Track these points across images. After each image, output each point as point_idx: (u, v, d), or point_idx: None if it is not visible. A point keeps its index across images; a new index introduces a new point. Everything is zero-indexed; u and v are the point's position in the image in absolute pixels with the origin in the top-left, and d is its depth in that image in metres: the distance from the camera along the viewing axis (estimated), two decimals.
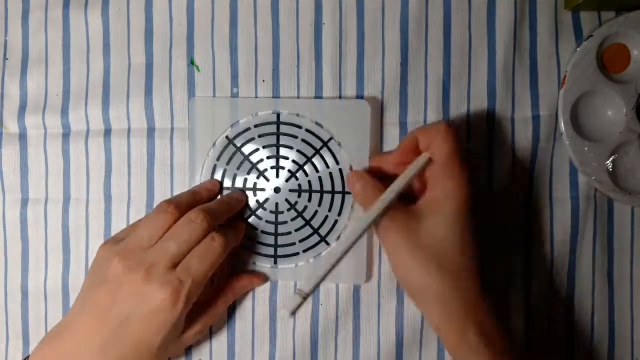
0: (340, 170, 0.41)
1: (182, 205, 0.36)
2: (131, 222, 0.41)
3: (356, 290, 0.41)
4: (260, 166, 0.41)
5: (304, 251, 0.41)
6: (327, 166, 0.41)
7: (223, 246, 0.36)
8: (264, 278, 0.41)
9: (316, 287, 0.34)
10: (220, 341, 0.42)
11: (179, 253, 0.34)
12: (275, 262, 0.41)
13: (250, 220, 0.41)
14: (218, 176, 0.41)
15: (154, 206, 0.37)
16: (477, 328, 0.33)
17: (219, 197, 0.40)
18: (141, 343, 0.34)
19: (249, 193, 0.41)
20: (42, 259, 0.42)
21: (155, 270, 0.34)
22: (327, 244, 0.41)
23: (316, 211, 0.41)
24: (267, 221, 0.41)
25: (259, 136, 0.41)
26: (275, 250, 0.41)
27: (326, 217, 0.41)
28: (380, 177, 0.38)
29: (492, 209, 0.41)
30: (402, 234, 0.35)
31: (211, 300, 0.39)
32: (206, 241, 0.35)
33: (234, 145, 0.41)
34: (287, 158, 0.41)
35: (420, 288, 0.35)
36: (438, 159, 0.35)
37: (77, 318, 0.35)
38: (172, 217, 0.35)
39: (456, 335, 0.33)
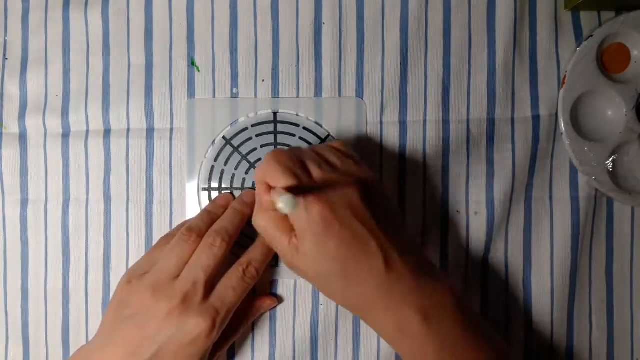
0: None
1: (202, 231, 0.37)
2: (130, 222, 0.41)
3: None
4: (259, 165, 0.41)
5: None
6: None
7: (255, 278, 0.37)
8: (280, 299, 0.41)
9: None
10: None
11: (208, 281, 0.35)
12: (275, 262, 0.41)
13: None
14: (217, 176, 0.41)
15: (174, 231, 0.39)
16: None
17: (230, 205, 0.40)
18: None
19: None
20: (42, 259, 0.42)
21: (192, 301, 0.34)
22: None
23: None
24: None
25: (257, 135, 0.41)
26: None
27: None
28: None
29: (492, 209, 0.41)
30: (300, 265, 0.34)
31: (231, 323, 0.39)
32: (239, 273, 0.37)
33: (232, 145, 0.41)
34: None
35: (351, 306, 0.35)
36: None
37: (100, 354, 0.35)
38: (195, 244, 0.36)
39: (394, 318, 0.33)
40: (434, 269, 0.35)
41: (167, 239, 0.39)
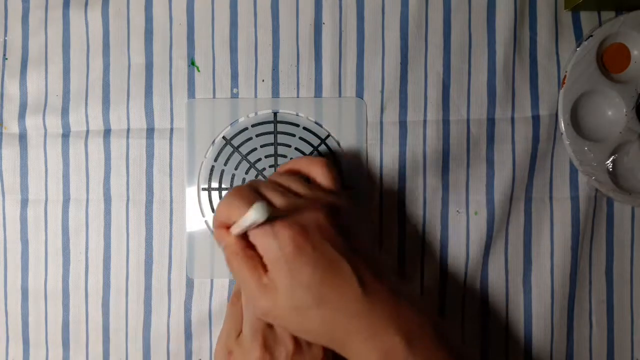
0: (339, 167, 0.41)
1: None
2: (130, 222, 0.41)
3: None
4: (259, 165, 0.41)
5: None
6: None
7: None
8: None
9: None
10: None
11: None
12: None
13: None
14: (217, 176, 0.41)
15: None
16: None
17: None
18: None
19: None
20: (42, 259, 0.42)
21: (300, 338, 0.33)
22: None
23: None
24: None
25: (257, 135, 0.41)
26: None
27: None
28: None
29: (492, 209, 0.41)
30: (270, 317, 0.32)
31: None
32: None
33: (232, 145, 0.41)
34: (285, 156, 0.41)
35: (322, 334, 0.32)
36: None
37: None
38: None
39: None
40: (412, 292, 0.34)
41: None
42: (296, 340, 0.33)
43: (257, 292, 0.31)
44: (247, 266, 0.31)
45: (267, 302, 0.31)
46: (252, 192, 0.32)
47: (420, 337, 0.31)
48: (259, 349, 0.33)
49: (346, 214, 0.33)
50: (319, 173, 0.35)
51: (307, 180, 0.36)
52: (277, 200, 0.32)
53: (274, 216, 0.30)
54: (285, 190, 0.33)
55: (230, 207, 0.32)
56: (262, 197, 0.32)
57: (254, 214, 0.28)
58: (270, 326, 0.33)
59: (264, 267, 0.31)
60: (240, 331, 0.34)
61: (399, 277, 0.39)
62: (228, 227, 0.32)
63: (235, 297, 0.36)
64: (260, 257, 0.32)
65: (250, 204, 0.29)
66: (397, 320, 0.30)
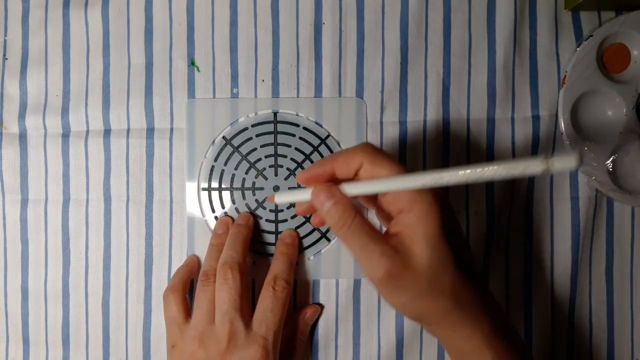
0: None
1: (214, 268, 0.38)
2: (130, 222, 0.41)
3: (356, 290, 0.41)
4: (259, 165, 0.41)
5: (305, 248, 0.41)
6: None
7: (286, 289, 0.38)
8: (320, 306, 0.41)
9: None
10: None
11: (242, 311, 0.36)
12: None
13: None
14: (217, 176, 0.41)
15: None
16: (486, 335, 0.31)
17: (229, 233, 0.40)
18: None
19: (248, 192, 0.41)
20: (42, 259, 0.42)
21: (238, 337, 0.36)
22: (328, 240, 0.41)
23: None
24: (267, 220, 0.41)
25: (257, 135, 0.41)
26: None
27: None
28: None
29: (492, 209, 0.41)
30: (394, 280, 0.30)
31: (288, 347, 0.40)
32: (270, 292, 0.37)
33: (232, 145, 0.41)
34: (285, 156, 0.41)
35: (427, 316, 0.32)
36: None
37: None
38: (214, 284, 0.37)
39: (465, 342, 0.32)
40: (485, 288, 0.34)
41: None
42: (230, 340, 0.35)
43: (383, 255, 0.29)
44: (369, 227, 0.30)
45: (398, 264, 0.29)
46: (369, 146, 0.30)
47: (497, 336, 0.31)
48: (196, 344, 0.36)
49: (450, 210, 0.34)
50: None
51: None
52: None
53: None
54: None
55: (349, 161, 0.30)
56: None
57: (575, 162, 0.23)
58: (211, 324, 0.36)
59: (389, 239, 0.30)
60: (182, 324, 0.37)
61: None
62: (326, 187, 0.31)
63: (174, 290, 0.38)
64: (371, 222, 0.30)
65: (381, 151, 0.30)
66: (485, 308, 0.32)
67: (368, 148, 0.31)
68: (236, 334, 0.36)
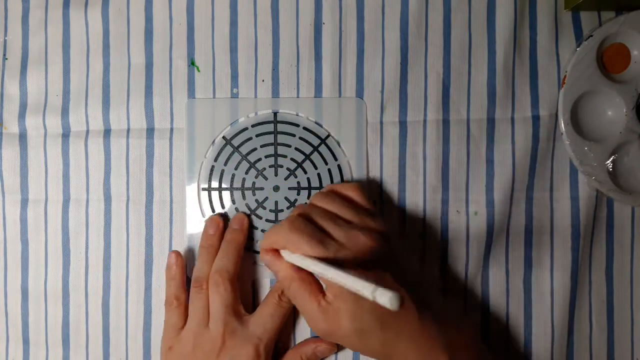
0: (339, 166, 0.41)
1: (207, 274, 0.39)
2: (130, 222, 0.41)
3: None
4: (259, 165, 0.41)
5: None
6: (326, 163, 0.41)
7: (292, 305, 0.38)
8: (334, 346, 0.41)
9: None
10: None
11: (235, 314, 0.38)
12: None
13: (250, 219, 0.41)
14: (217, 176, 0.41)
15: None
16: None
17: (223, 240, 0.40)
18: None
19: (248, 192, 0.41)
20: (42, 259, 0.42)
21: (234, 334, 0.37)
22: None
23: None
24: (267, 220, 0.41)
25: (257, 135, 0.41)
26: None
27: None
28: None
29: (492, 209, 0.41)
30: (330, 337, 0.34)
31: None
32: (275, 300, 0.38)
33: (232, 145, 0.41)
34: (285, 156, 0.41)
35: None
36: None
37: None
38: (207, 290, 0.38)
39: None
40: (455, 309, 0.37)
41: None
42: (225, 339, 0.37)
43: (317, 315, 0.33)
44: (305, 290, 0.34)
45: (330, 325, 0.33)
46: (307, 226, 0.34)
47: (464, 355, 0.35)
48: (192, 346, 0.37)
49: (393, 241, 0.36)
50: (355, 195, 0.37)
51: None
52: (333, 230, 0.34)
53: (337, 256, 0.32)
54: (335, 217, 0.35)
55: (289, 241, 0.33)
56: (318, 228, 0.34)
57: (389, 304, 0.27)
58: (205, 327, 0.37)
59: (321, 291, 0.34)
60: (181, 328, 0.38)
61: (442, 295, 0.41)
62: (276, 251, 0.35)
63: (174, 299, 0.39)
64: (315, 280, 0.34)
65: (311, 240, 0.32)
66: (443, 341, 0.34)
67: None
68: (231, 333, 0.37)
